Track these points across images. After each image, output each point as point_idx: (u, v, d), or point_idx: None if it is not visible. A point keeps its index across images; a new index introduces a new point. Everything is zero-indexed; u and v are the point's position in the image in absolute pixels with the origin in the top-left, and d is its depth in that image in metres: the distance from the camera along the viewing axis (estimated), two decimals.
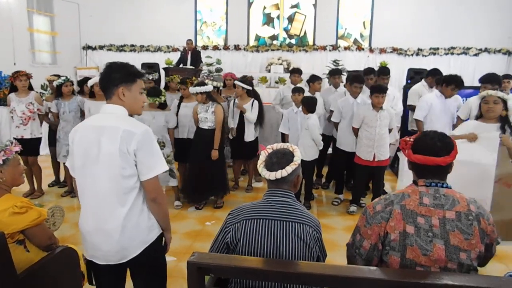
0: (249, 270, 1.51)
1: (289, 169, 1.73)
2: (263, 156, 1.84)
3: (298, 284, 1.67)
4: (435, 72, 5.36)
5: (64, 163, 4.96)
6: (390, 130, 4.47)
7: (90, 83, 4.74)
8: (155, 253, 1.98)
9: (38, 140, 4.92)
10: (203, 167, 4.52)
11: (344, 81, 5.54)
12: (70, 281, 2.28)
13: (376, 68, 5.64)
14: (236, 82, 5.12)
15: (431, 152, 1.59)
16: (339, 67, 9.50)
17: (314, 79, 5.34)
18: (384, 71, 5.25)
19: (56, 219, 2.61)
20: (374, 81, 5.05)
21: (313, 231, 1.72)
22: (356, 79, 4.73)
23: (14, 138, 4.74)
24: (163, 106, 4.47)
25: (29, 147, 4.64)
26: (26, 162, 4.73)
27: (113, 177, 1.80)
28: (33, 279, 1.98)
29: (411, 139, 1.69)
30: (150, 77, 5.24)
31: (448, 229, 1.48)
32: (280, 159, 1.77)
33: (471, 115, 4.50)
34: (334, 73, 5.59)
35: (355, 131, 4.51)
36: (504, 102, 2.95)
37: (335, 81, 5.53)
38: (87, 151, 1.84)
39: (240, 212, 1.79)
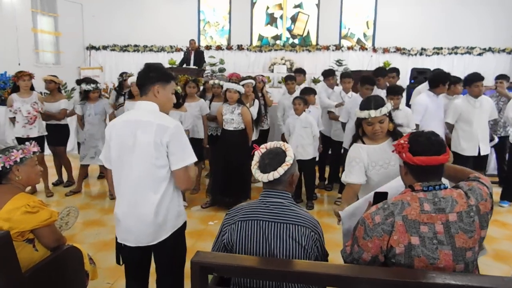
0: (252, 269, 1.51)
1: (281, 170, 1.70)
2: (256, 156, 1.81)
3: (301, 283, 1.67)
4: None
5: (82, 164, 5.04)
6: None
7: (129, 81, 4.74)
8: (179, 238, 2.17)
9: (44, 138, 4.96)
10: (228, 167, 4.51)
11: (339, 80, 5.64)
12: (74, 280, 2.30)
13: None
14: (247, 80, 5.17)
15: (431, 152, 1.55)
16: (342, 67, 9.55)
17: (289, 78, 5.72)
18: (391, 70, 5.31)
19: (70, 218, 2.65)
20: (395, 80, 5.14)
21: (310, 232, 1.68)
22: (366, 81, 4.72)
23: (20, 138, 4.78)
24: (177, 105, 4.45)
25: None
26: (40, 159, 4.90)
27: (147, 166, 1.96)
28: (37, 278, 1.99)
29: (406, 142, 1.61)
30: None
31: (452, 232, 1.45)
32: (272, 160, 1.74)
33: (461, 117, 4.46)
34: (328, 74, 5.63)
35: None
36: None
37: (330, 82, 5.58)
38: (123, 143, 2.00)
39: (236, 213, 1.78)
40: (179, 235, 2.14)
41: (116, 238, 2.15)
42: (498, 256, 3.59)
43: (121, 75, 6.29)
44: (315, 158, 4.78)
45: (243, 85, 4.99)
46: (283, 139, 5.55)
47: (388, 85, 5.27)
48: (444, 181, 1.69)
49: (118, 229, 2.12)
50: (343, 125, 4.97)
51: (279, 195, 1.75)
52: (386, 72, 5.41)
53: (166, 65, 8.72)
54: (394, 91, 4.26)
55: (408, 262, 1.46)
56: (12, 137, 7.67)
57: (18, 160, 2.09)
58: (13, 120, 4.88)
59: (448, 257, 1.44)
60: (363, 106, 2.29)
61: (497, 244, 3.83)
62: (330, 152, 5.54)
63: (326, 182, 5.61)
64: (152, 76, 2.03)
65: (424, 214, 1.47)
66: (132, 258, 2.17)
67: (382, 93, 4.92)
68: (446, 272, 1.41)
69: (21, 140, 4.84)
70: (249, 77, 5.60)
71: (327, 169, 5.62)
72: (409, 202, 1.51)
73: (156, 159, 1.94)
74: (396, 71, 5.67)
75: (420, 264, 1.45)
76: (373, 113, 2.23)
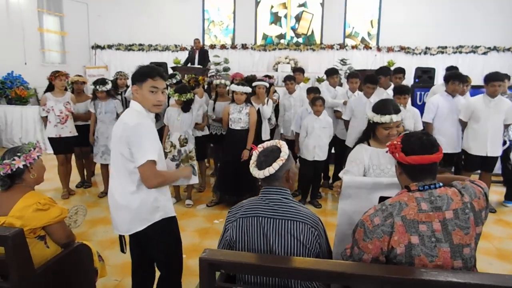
0: (258, 266, 1.55)
1: (276, 165, 1.74)
2: (254, 156, 1.85)
3: (306, 280, 1.71)
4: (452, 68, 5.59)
5: (101, 164, 5.02)
6: None
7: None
8: (162, 232, 2.19)
9: (75, 138, 4.98)
10: (235, 167, 4.51)
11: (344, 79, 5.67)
12: (84, 276, 2.34)
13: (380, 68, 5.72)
14: (260, 82, 5.17)
15: (423, 151, 1.59)
16: (347, 66, 9.55)
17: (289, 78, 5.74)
18: (398, 70, 5.34)
19: (79, 217, 2.69)
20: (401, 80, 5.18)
21: (309, 228, 1.71)
22: (369, 79, 4.76)
23: (52, 138, 4.77)
24: (186, 109, 4.51)
25: (67, 145, 4.85)
26: (65, 159, 4.95)
27: (120, 161, 2.10)
28: (49, 274, 2.04)
29: (398, 142, 1.65)
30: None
31: (450, 229, 1.48)
32: (267, 156, 1.78)
33: (473, 115, 4.46)
34: (331, 73, 5.65)
35: None
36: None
37: (333, 81, 5.60)
38: (112, 140, 2.20)
39: (238, 210, 1.82)
40: (159, 229, 2.16)
41: None
42: (502, 255, 3.61)
43: (115, 74, 6.34)
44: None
45: (255, 86, 4.99)
46: (282, 138, 5.59)
47: (392, 84, 5.30)
48: None
49: None
50: (346, 122, 5.00)
51: (277, 191, 1.78)
52: (389, 71, 5.43)
53: (171, 64, 8.79)
54: (402, 91, 4.26)
55: (409, 261, 1.49)
56: (18, 136, 7.79)
57: (36, 157, 2.15)
58: (45, 119, 4.89)
59: (446, 254, 1.47)
60: (383, 111, 2.28)
61: (501, 243, 3.85)
62: (333, 151, 5.56)
63: (330, 181, 5.64)
64: (132, 77, 2.14)
65: (422, 213, 1.51)
66: (130, 243, 2.33)
67: (385, 93, 4.96)
68: (448, 270, 1.45)
69: (53, 140, 4.83)
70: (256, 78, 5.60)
71: (331, 167, 5.65)
72: (406, 202, 1.54)
73: (123, 154, 2.07)
74: (402, 71, 5.69)
75: (420, 263, 1.48)
76: (394, 117, 2.25)
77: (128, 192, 2.07)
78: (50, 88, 4.91)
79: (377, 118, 2.29)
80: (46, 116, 4.85)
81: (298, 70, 6.27)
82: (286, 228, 1.70)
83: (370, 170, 2.33)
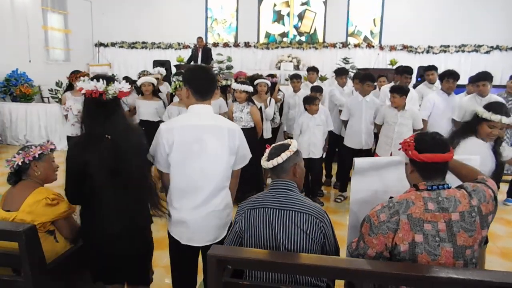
0: (264, 262, 1.59)
1: (284, 155, 1.83)
2: (267, 153, 1.96)
3: (311, 276, 1.75)
4: (432, 67, 5.66)
5: None
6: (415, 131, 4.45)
7: (139, 82, 4.94)
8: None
9: None
10: None
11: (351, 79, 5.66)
12: None
13: (384, 67, 5.72)
14: (261, 80, 5.18)
15: (436, 149, 1.61)
16: (349, 65, 9.56)
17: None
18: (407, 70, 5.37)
19: None
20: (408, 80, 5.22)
21: (314, 219, 1.77)
22: (368, 78, 4.79)
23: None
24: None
25: None
26: None
27: (218, 169, 2.05)
28: (59, 270, 2.10)
29: (411, 140, 1.69)
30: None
31: (455, 231, 1.52)
32: (277, 150, 1.89)
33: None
34: (341, 73, 5.66)
35: (378, 128, 4.59)
36: None
37: (342, 81, 5.61)
38: (188, 148, 2.00)
39: (247, 204, 1.90)
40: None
41: (170, 238, 2.16)
42: (503, 253, 3.65)
43: (139, 74, 6.30)
44: (322, 156, 4.85)
45: (256, 84, 5.00)
46: (285, 135, 5.61)
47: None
48: (450, 180, 1.75)
49: (181, 231, 2.10)
50: (344, 123, 5.02)
51: (284, 183, 1.86)
52: (412, 70, 5.42)
53: (174, 62, 8.83)
54: (396, 90, 4.21)
55: (412, 259, 1.53)
56: (23, 132, 7.85)
57: (37, 155, 2.18)
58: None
59: (449, 254, 1.51)
60: (496, 110, 2.41)
61: (503, 241, 3.88)
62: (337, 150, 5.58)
63: (334, 179, 5.66)
64: (215, 82, 2.19)
65: (428, 213, 1.54)
66: (186, 258, 2.20)
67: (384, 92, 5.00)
68: (449, 267, 1.49)
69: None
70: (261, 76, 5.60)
71: (334, 166, 5.68)
72: (413, 201, 1.58)
73: (227, 162, 2.07)
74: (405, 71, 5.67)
75: (422, 260, 1.52)
76: (505, 119, 2.38)
77: (218, 202, 2.08)
78: (69, 88, 4.96)
79: (487, 114, 2.42)
80: (66, 115, 4.84)
81: (312, 69, 6.18)
82: (291, 219, 1.77)
83: None
